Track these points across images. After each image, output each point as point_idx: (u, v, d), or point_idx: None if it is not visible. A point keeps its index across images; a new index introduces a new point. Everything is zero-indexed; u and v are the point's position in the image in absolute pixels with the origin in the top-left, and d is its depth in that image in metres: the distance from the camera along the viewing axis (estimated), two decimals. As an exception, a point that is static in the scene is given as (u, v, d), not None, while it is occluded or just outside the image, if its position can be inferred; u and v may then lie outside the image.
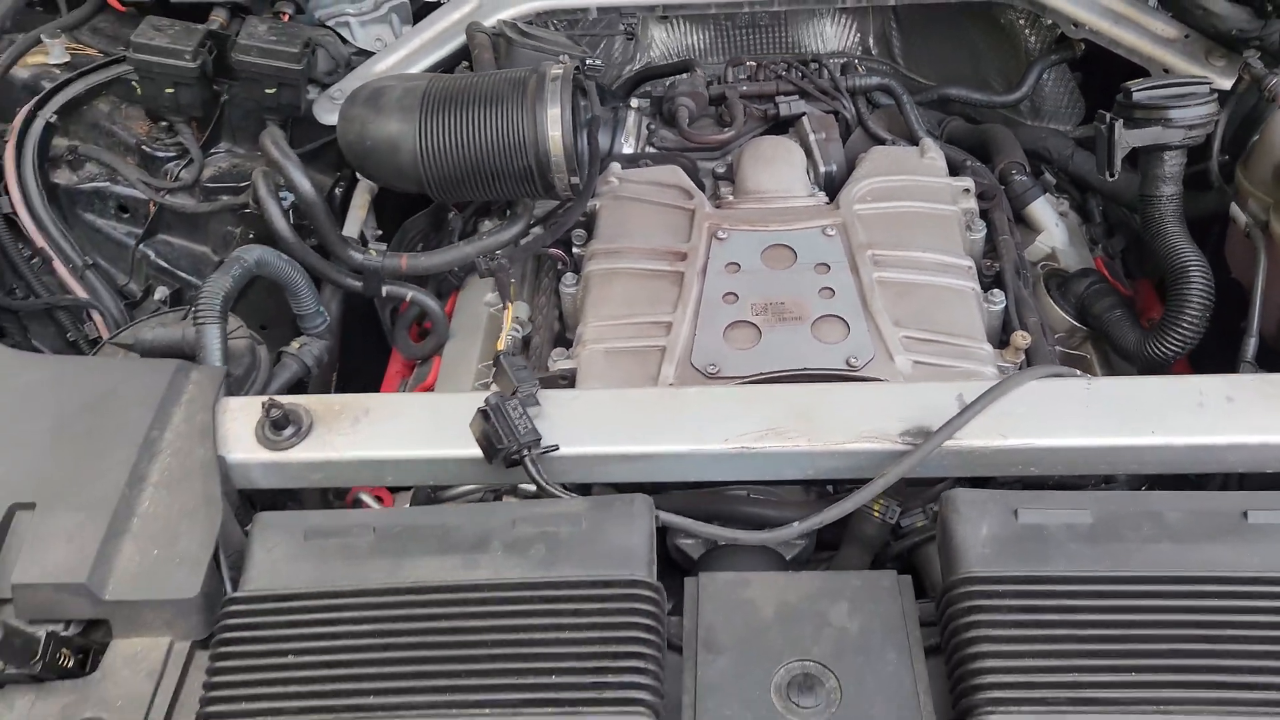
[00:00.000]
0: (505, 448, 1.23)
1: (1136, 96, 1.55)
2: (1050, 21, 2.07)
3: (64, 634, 1.15)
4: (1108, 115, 1.56)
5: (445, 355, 1.86)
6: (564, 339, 1.75)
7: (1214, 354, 1.61)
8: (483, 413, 1.24)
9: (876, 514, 1.39)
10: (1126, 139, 1.54)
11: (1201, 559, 1.08)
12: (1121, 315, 1.67)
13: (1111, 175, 1.56)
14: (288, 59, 1.82)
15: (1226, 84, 1.71)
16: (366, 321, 2.05)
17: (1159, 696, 0.99)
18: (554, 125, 1.63)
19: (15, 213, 1.87)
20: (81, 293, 1.88)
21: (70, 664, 1.15)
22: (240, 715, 1.06)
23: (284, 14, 1.94)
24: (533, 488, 1.25)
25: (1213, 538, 1.10)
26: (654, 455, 1.28)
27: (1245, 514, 1.11)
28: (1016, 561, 1.09)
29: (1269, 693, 0.98)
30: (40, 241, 1.88)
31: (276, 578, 1.16)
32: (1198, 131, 1.56)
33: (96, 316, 1.88)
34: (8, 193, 1.87)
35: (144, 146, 1.99)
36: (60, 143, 1.96)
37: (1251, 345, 1.50)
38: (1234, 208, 1.60)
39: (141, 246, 2.01)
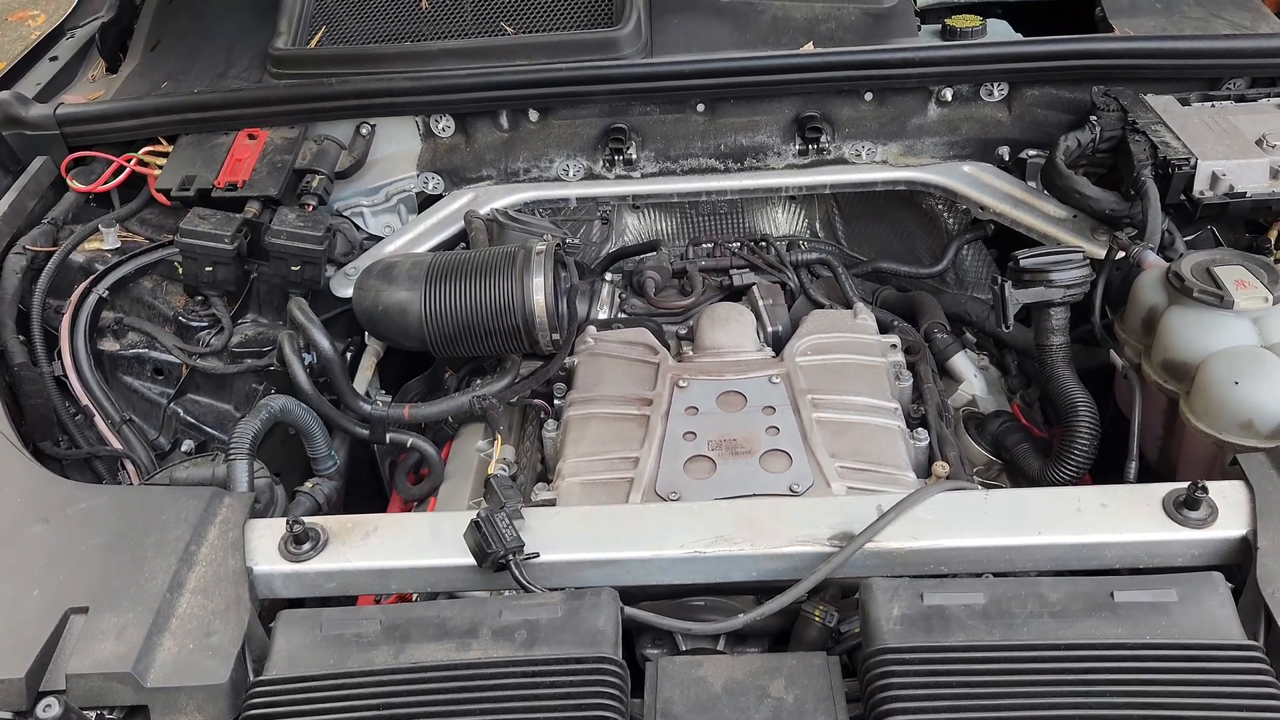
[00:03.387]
0: (494, 553, 1.43)
1: (1023, 262, 1.86)
2: (964, 206, 2.41)
3: (110, 717, 1.32)
4: (999, 278, 1.86)
5: (440, 496, 2.05)
6: (545, 478, 1.97)
7: (1114, 479, 1.85)
8: (475, 524, 1.46)
9: (817, 618, 1.57)
10: (1017, 297, 1.84)
11: (1077, 631, 1.28)
12: (1028, 449, 1.92)
13: (1006, 328, 1.85)
14: (312, 241, 2.12)
15: (1100, 253, 2.03)
16: (367, 470, 2.28)
17: (1042, 743, 1.18)
18: (538, 291, 1.92)
19: (66, 376, 2.11)
20: (118, 444, 2.09)
21: (113, 745, 1.33)
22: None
23: (309, 205, 2.26)
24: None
25: (1086, 614, 1.30)
26: (621, 561, 1.48)
27: (1112, 594, 1.31)
28: (922, 635, 1.29)
29: (1131, 737, 1.17)
30: (85, 400, 2.10)
31: (296, 665, 1.34)
32: (1075, 290, 1.85)
33: (130, 466, 2.08)
34: (60, 358, 2.13)
35: (180, 317, 2.25)
36: (108, 315, 2.21)
37: (1133, 468, 1.74)
38: (1113, 354, 1.88)
39: (172, 405, 2.24)
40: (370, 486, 2.27)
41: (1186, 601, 1.30)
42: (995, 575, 1.50)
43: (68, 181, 2.40)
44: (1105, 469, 1.83)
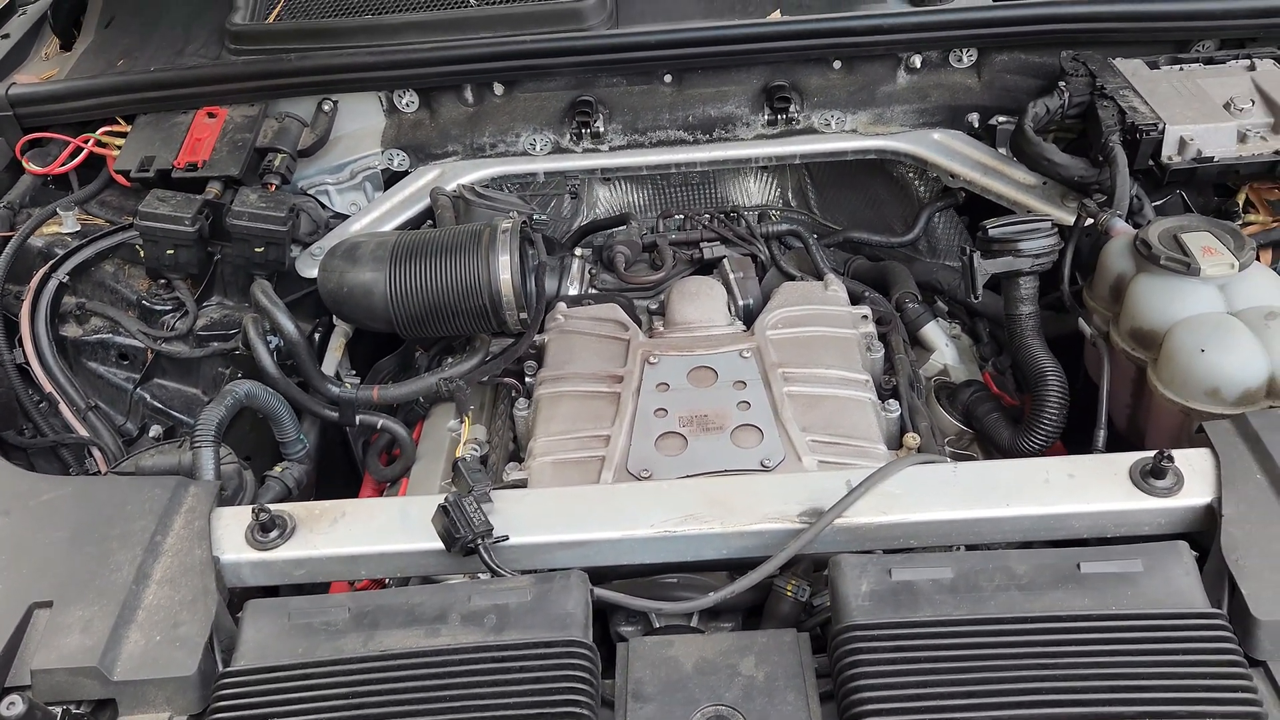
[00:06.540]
0: (462, 537, 1.42)
1: (991, 232, 1.85)
2: (934, 174, 2.40)
3: (76, 712, 1.31)
4: (967, 248, 1.85)
5: (412, 477, 2.04)
6: (518, 457, 1.96)
7: (1085, 447, 1.85)
8: (442, 508, 1.45)
9: (789, 593, 1.57)
10: (985, 267, 1.83)
11: (1044, 603, 1.29)
12: (998, 418, 1.92)
13: (975, 298, 1.84)
14: (275, 222, 2.09)
15: (1070, 220, 2.02)
16: (340, 451, 2.27)
17: (1010, 715, 1.18)
18: (504, 270, 1.90)
19: (28, 363, 2.08)
20: (84, 432, 2.06)
21: (81, 741, 1.32)
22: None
23: (271, 185, 2.22)
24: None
25: (1052, 585, 1.30)
26: (592, 542, 1.48)
27: (1079, 565, 1.32)
28: (890, 611, 1.29)
29: (1097, 707, 1.18)
30: (48, 387, 2.07)
31: (264, 655, 1.33)
32: (1044, 259, 1.85)
33: (97, 453, 2.06)
34: (22, 345, 2.09)
35: (144, 301, 2.22)
36: (69, 300, 2.18)
37: (1101, 436, 1.75)
38: (1081, 323, 1.88)
39: (139, 390, 2.21)
40: (344, 467, 2.25)
41: (1152, 571, 1.31)
42: (966, 548, 1.51)
43: (23, 164, 2.35)
44: (1077, 435, 1.84)
